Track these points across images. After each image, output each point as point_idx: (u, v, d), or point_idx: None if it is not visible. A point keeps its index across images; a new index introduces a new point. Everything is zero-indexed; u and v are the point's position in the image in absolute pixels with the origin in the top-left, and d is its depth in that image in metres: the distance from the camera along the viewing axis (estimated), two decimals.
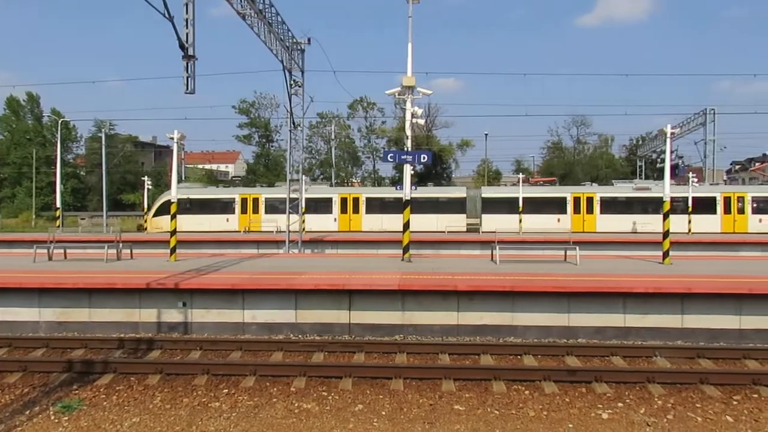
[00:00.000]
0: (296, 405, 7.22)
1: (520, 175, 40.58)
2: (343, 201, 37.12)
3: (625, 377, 8.08)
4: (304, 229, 26.04)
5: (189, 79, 12.55)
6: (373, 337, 10.74)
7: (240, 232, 34.61)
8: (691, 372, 8.21)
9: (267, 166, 70.23)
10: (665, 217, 15.60)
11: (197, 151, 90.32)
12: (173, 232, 16.56)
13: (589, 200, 35.90)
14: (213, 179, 74.58)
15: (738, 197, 34.38)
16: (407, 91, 16.18)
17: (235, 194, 38.10)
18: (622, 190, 35.88)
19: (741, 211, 34.19)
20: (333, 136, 59.59)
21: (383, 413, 6.95)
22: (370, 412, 7.00)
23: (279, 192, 36.83)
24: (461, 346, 9.86)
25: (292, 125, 23.46)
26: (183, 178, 42.74)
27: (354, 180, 68.97)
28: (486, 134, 75.11)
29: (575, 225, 35.28)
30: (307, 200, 37.35)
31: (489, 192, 38.02)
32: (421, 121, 17.10)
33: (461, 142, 76.31)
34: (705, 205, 33.69)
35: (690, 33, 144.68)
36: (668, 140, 16.45)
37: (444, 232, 33.42)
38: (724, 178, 64.18)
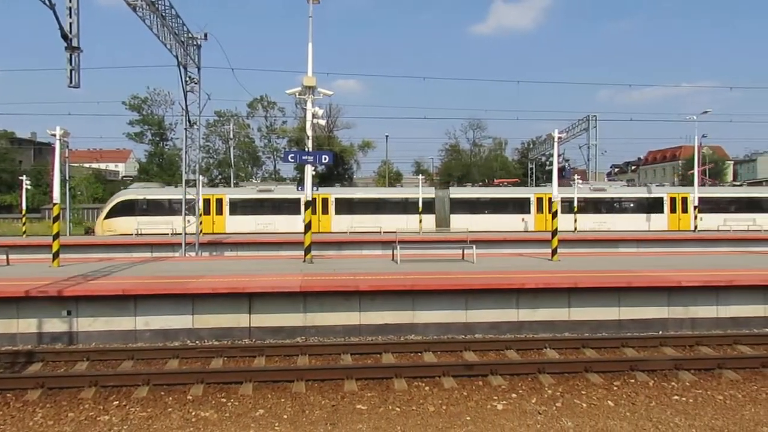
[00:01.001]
0: (193, 413, 6.95)
1: (420, 177, 41.52)
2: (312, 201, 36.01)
3: (518, 369, 8.47)
4: (201, 231, 25.17)
5: (73, 72, 11.72)
6: (275, 340, 10.57)
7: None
8: (577, 362, 8.76)
9: (161, 165, 67.19)
10: (554, 216, 16.54)
11: (83, 149, 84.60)
12: (55, 236, 15.38)
13: (551, 200, 36.92)
14: (102, 179, 70.30)
15: (682, 197, 37.49)
16: (308, 91, 16.08)
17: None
18: (580, 191, 37.26)
19: (684, 210, 37.26)
20: (232, 136, 57.98)
21: (285, 417, 6.85)
22: (272, 416, 6.88)
23: (244, 192, 36.49)
24: (363, 345, 9.92)
25: (188, 123, 22.57)
26: (67, 178, 39.71)
27: (253, 180, 67.38)
28: (387, 136, 76.25)
29: (538, 224, 36.69)
30: (276, 201, 36.07)
31: (457, 193, 38.18)
32: (323, 122, 17.04)
33: (363, 144, 76.93)
34: (654, 205, 36.89)
35: (574, 44, 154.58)
36: (556, 144, 17.48)
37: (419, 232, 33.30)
38: (605, 180, 68.91)
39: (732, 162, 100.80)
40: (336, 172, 66.62)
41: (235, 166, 60.91)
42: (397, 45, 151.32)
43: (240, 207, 35.54)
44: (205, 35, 21.88)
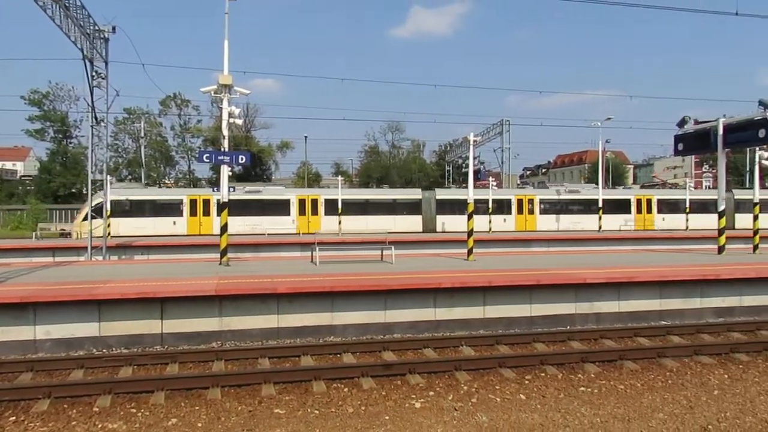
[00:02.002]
0: (99, 426, 6.59)
1: (340, 178, 41.51)
2: (302, 202, 36.58)
3: (435, 367, 8.63)
4: (109, 234, 23.92)
5: None
6: (189, 346, 10.22)
7: (189, 236, 32.02)
8: (492, 358, 9.04)
9: (65, 164, 63.34)
10: (469, 217, 17.00)
11: None
12: None
13: (531, 202, 39.48)
14: None
15: (647, 199, 41.33)
16: (224, 90, 15.67)
17: (184, 195, 35.98)
18: (556, 192, 39.35)
19: (649, 210, 40.80)
20: (142, 134, 55.58)
21: (199, 425, 6.63)
22: (185, 425, 6.64)
23: (233, 194, 35.45)
24: (282, 348, 9.79)
25: (95, 120, 21.42)
26: None
27: (166, 180, 64.96)
28: (306, 137, 75.42)
29: (519, 225, 38.40)
30: (263, 202, 35.98)
31: (443, 194, 39.47)
32: (239, 121, 16.64)
33: (281, 144, 76.01)
34: (621, 206, 40.36)
35: (488, 50, 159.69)
36: (471, 147, 17.99)
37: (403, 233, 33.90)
38: (518, 182, 71.61)
39: (632, 166, 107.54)
40: (254, 172, 65.42)
41: (146, 165, 58.42)
42: (316, 46, 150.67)
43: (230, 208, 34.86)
44: (113, 28, 20.88)
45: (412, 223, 37.22)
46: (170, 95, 70.64)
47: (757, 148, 21.57)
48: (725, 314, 12.63)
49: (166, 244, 26.54)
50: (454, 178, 70.03)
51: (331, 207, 36.46)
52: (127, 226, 32.98)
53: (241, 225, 33.83)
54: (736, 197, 41.66)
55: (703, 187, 68.19)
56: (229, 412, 7.03)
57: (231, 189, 28.10)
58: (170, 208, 35.15)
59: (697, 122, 19.35)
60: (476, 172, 18.85)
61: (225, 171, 16.28)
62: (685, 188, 42.40)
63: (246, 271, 13.86)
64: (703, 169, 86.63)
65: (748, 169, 53.93)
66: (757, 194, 20.81)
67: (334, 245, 20.56)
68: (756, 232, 19.78)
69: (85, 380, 8.09)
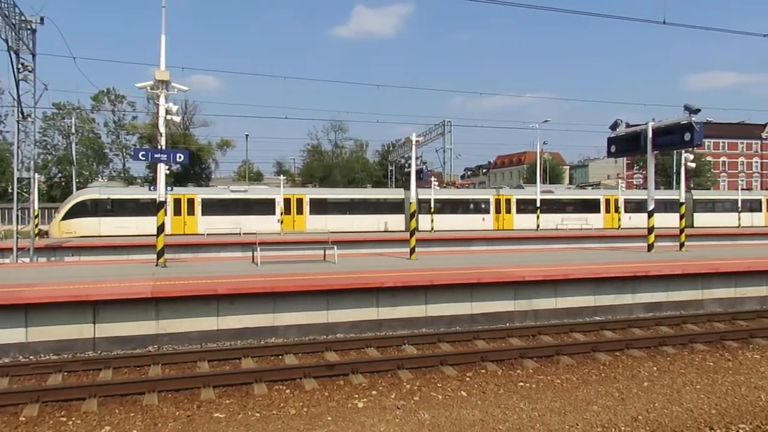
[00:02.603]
0: None
1: (282, 177, 41.06)
2: (287, 202, 36.53)
3: (378, 366, 8.66)
4: (37, 233, 22.79)
5: None
6: (123, 351, 9.85)
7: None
8: (434, 356, 9.14)
9: None
10: (412, 216, 17.15)
11: None
12: None
13: (508, 201, 40.73)
14: None
15: (615, 200, 43.27)
16: (161, 86, 15.19)
17: (168, 194, 34.25)
18: (531, 192, 40.70)
19: (617, 210, 43.08)
20: (73, 130, 53.16)
21: None
22: None
23: (215, 193, 36.69)
24: (222, 351, 9.58)
25: (21, 115, 20.34)
26: None
27: (99, 178, 62.46)
28: (247, 135, 74.03)
29: (496, 223, 39.67)
30: (249, 201, 35.74)
31: (423, 194, 38.98)
32: (177, 119, 16.19)
33: (221, 142, 74.50)
34: (592, 206, 42.76)
35: (431, 51, 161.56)
36: (414, 147, 18.12)
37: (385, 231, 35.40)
38: (460, 181, 72.73)
39: (568, 167, 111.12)
40: (193, 171, 63.83)
41: (78, 163, 55.99)
42: (258, 43, 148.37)
43: (215, 207, 35.44)
44: (42, 19, 19.93)
45: (395, 222, 37.86)
46: (103, 90, 68.12)
47: (683, 151, 22.68)
48: (654, 309, 13.22)
49: (99, 245, 25.52)
50: (396, 178, 70.45)
51: (316, 206, 36.86)
52: (109, 226, 32.31)
53: (227, 225, 33.97)
54: (695, 197, 44.80)
55: (634, 187, 71.09)
56: (167, 417, 6.82)
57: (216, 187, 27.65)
58: (154, 208, 34.39)
59: (628, 125, 20.17)
60: (418, 172, 19.01)
61: (162, 169, 15.79)
62: (617, 188, 44.31)
63: (184, 272, 13.50)
64: (635, 170, 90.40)
65: (675, 170, 56.85)
66: (683, 195, 21.86)
67: (276, 245, 20.29)
68: (682, 230, 20.79)
69: (10, 389, 7.68)
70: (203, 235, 31.41)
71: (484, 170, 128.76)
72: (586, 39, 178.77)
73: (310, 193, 38.18)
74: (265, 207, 35.85)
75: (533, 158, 61.27)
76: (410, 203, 17.26)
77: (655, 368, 8.85)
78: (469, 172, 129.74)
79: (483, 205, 40.32)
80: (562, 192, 44.00)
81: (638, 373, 8.57)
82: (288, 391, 7.78)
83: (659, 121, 18.66)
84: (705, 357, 9.48)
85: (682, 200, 21.57)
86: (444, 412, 6.96)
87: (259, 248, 15.81)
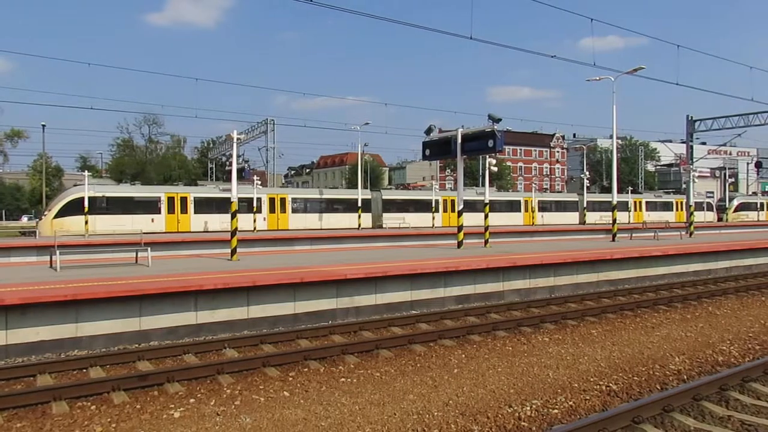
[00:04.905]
0: None
1: (86, 173, 37.75)
2: (272, 201, 39.46)
3: (196, 373, 8.27)
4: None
5: None
6: None
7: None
8: (255, 358, 8.97)
9: None
10: (232, 216, 16.66)
11: None
12: None
13: (453, 202, 44.99)
14: None
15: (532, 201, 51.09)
16: None
17: (161, 193, 36.74)
18: (469, 194, 44.70)
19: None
20: None
21: None
22: None
23: (208, 192, 38.55)
24: (11, 369, 8.46)
25: None
26: None
27: None
28: (43, 125, 66.25)
29: (444, 221, 44.24)
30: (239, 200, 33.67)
31: (387, 194, 45.97)
32: None
33: (11, 132, 66.07)
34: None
35: (254, 47, 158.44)
36: (235, 145, 17.63)
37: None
38: (283, 181, 72.38)
39: (388, 168, 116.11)
40: None
41: None
42: (60, 24, 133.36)
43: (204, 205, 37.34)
44: None
45: (364, 220, 41.51)
46: None
47: (487, 156, 24.93)
48: (463, 301, 14.34)
49: None
50: (217, 176, 67.96)
51: (298, 205, 40.43)
52: (104, 223, 33.07)
53: (218, 223, 36.35)
54: (588, 199, 54.15)
55: (446, 188, 76.38)
56: None
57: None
58: (148, 206, 35.52)
59: (441, 131, 21.63)
60: (240, 170, 18.53)
61: None
62: (431, 190, 47.39)
63: None
64: (447, 173, 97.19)
65: (481, 173, 62.40)
66: (488, 195, 24.04)
67: (80, 248, 18.42)
68: (486, 228, 22.83)
69: None
70: None
71: (308, 170, 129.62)
72: (405, 47, 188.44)
73: (292, 194, 42.14)
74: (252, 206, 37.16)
75: (354, 159, 63.02)
76: (232, 202, 16.72)
77: (463, 355, 9.59)
78: (292, 172, 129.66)
79: (429, 205, 45.23)
80: (495, 194, 48.78)
81: (449, 361, 9.23)
82: (93, 407, 7.11)
83: (467, 128, 20.29)
84: (505, 342, 10.50)
85: (487, 201, 23.68)
86: (266, 414, 6.87)
87: (58, 252, 14.24)
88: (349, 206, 42.28)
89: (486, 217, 23.22)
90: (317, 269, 13.56)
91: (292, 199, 40.58)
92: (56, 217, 33.05)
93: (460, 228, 20.91)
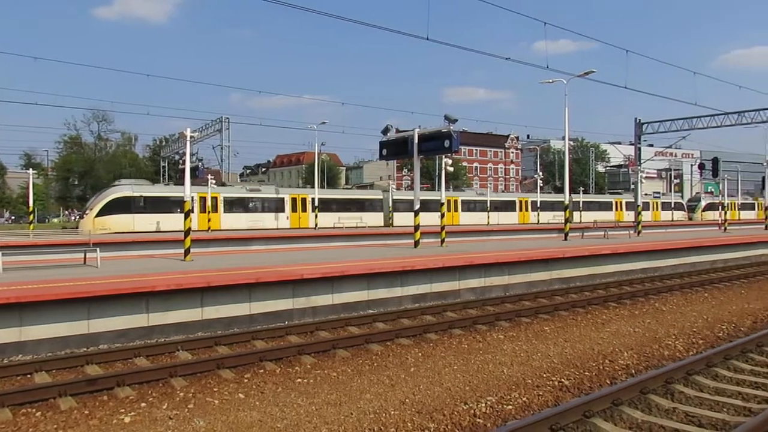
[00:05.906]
0: None
1: (31, 171, 36.50)
2: (294, 201, 42.23)
3: (148, 376, 8.07)
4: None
5: None
6: None
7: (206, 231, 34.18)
8: (210, 360, 8.81)
9: None
10: (186, 215, 16.32)
11: None
12: None
13: (455, 203, 49.40)
14: None
15: (527, 201, 55.76)
16: None
17: (194, 192, 35.50)
18: (472, 194, 51.68)
19: (527, 209, 55.12)
20: None
21: None
22: None
23: (236, 192, 40.73)
24: None
25: None
26: None
27: None
28: None
29: (448, 221, 43.14)
30: (264, 200, 40.83)
31: (397, 195, 48.01)
32: None
33: None
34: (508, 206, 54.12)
35: (208, 44, 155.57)
36: (188, 143, 17.27)
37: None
38: (239, 180, 71.38)
39: (345, 168, 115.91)
40: None
41: None
42: (2, 16, 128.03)
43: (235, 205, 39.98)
44: None
45: (375, 219, 44.42)
46: None
47: (444, 156, 25.15)
48: (420, 300, 14.42)
49: None
50: (170, 175, 66.42)
51: (319, 205, 41.17)
52: (142, 222, 34.29)
53: (244, 222, 39.26)
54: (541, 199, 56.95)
55: (403, 188, 76.60)
56: None
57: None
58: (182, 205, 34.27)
59: (398, 131, 21.75)
60: (194, 169, 18.17)
61: None
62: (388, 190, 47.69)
63: None
64: (404, 172, 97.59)
65: (437, 173, 62.88)
66: (444, 195, 24.24)
67: (22, 249, 17.72)
68: (443, 228, 23.03)
69: None
70: None
71: (264, 169, 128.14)
72: (362, 46, 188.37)
73: (311, 194, 42.45)
74: (276, 205, 40.52)
75: (311, 158, 62.65)
76: (185, 201, 16.36)
77: (420, 354, 9.65)
78: (248, 171, 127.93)
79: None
80: (341, 192, 49.36)
81: (406, 360, 9.27)
82: (39, 413, 6.86)
83: (424, 129, 20.42)
84: (461, 340, 10.62)
85: (443, 201, 23.89)
86: (221, 416, 6.75)
87: (0, 253, 13.66)
88: (364, 206, 45.82)
89: (442, 216, 23.42)
90: (273, 269, 13.41)
91: (313, 199, 41.90)
92: (98, 215, 33.97)
93: (417, 228, 21.03)
